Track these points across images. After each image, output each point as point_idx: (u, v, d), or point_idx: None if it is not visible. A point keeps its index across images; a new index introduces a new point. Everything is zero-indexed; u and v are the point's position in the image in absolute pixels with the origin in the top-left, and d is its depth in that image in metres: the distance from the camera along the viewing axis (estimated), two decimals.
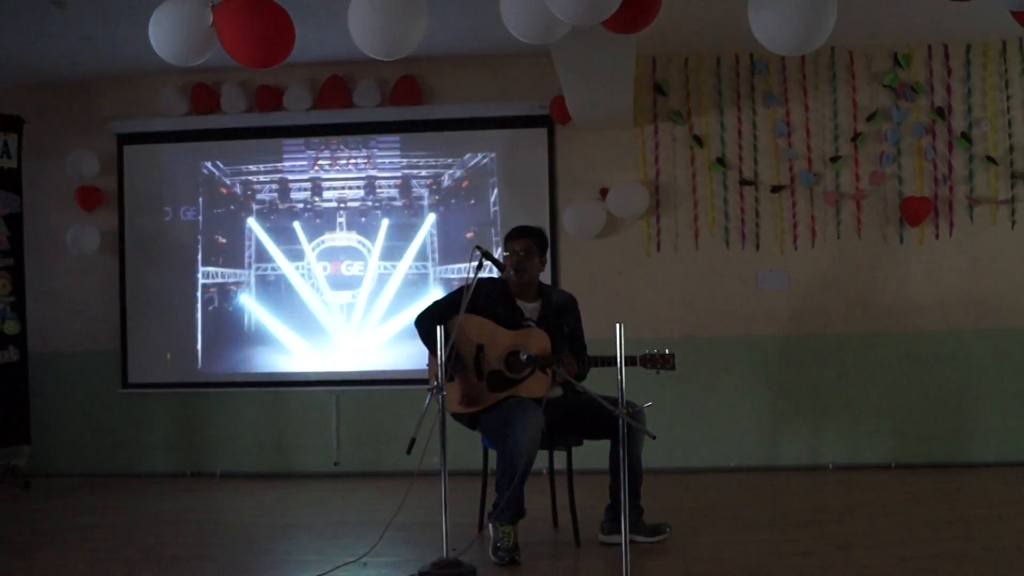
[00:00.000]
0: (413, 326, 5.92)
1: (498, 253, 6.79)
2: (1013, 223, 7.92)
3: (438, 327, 5.19)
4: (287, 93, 8.31)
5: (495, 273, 5.82)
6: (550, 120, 8.19)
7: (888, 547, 5.45)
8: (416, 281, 8.31)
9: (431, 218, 8.32)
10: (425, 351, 5.88)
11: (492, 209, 8.26)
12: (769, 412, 8.07)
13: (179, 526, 6.58)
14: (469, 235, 8.26)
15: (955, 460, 7.90)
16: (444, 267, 8.28)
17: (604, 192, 8.09)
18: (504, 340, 5.68)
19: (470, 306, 5.42)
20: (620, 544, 4.75)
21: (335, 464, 8.36)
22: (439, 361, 5.14)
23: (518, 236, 5.85)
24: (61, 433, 8.55)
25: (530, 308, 5.84)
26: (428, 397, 5.09)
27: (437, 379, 5.13)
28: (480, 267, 5.38)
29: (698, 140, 8.09)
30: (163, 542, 6.08)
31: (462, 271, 8.16)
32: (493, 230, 8.26)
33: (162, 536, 6.26)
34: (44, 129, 8.59)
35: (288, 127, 8.39)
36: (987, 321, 7.92)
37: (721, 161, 8.08)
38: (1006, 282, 7.92)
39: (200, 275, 8.48)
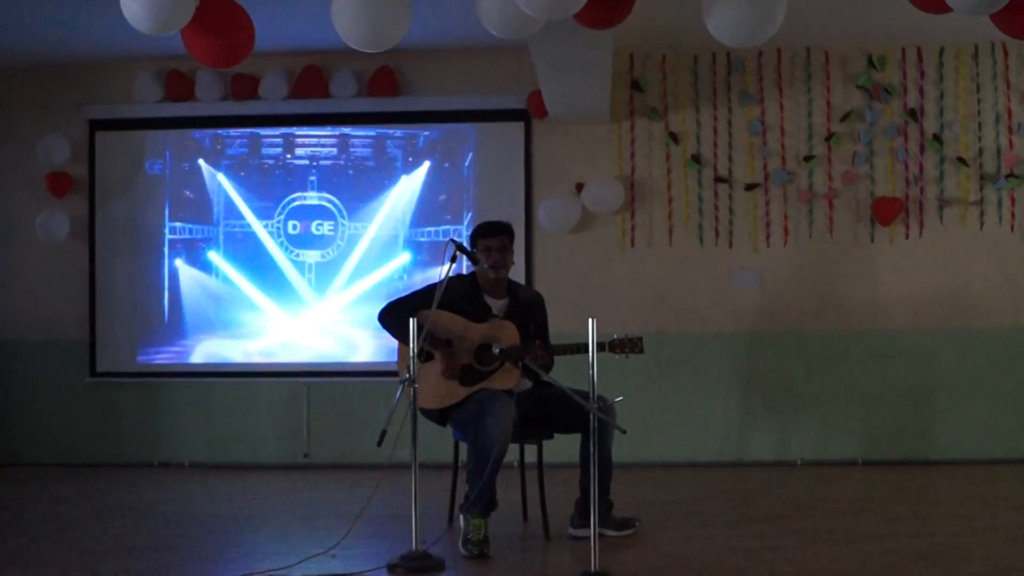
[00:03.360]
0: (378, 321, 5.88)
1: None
2: (982, 224, 7.99)
3: (409, 319, 5.16)
4: (263, 82, 8.27)
5: (464, 270, 5.78)
6: (527, 114, 8.20)
7: (854, 542, 5.48)
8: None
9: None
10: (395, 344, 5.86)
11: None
12: (739, 408, 8.12)
13: (146, 516, 6.54)
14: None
15: (921, 457, 7.97)
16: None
17: (580, 187, 8.11)
18: (474, 334, 5.67)
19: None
20: (589, 538, 4.75)
21: (305, 456, 8.35)
22: (411, 353, 5.12)
23: (493, 234, 5.79)
24: (28, 422, 8.50)
25: (498, 305, 5.82)
26: (399, 389, 5.09)
27: (408, 371, 5.12)
28: (454, 261, 5.34)
29: (674, 137, 8.12)
30: (130, 532, 6.04)
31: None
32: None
33: (129, 526, 6.22)
34: (15, 114, 8.55)
35: (263, 116, 8.36)
36: (955, 320, 8.00)
37: (696, 158, 8.11)
38: (974, 282, 8.00)
39: (167, 258, 8.47)
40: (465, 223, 8.27)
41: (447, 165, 8.32)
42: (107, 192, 8.50)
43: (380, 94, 8.26)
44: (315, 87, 8.28)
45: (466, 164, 8.30)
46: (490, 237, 5.76)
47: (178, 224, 8.46)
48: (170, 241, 8.46)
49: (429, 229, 8.32)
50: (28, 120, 8.55)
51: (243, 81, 8.29)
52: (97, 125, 8.52)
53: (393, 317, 5.69)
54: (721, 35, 4.88)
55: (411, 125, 8.32)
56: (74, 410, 8.50)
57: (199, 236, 8.45)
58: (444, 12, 7.09)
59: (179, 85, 8.36)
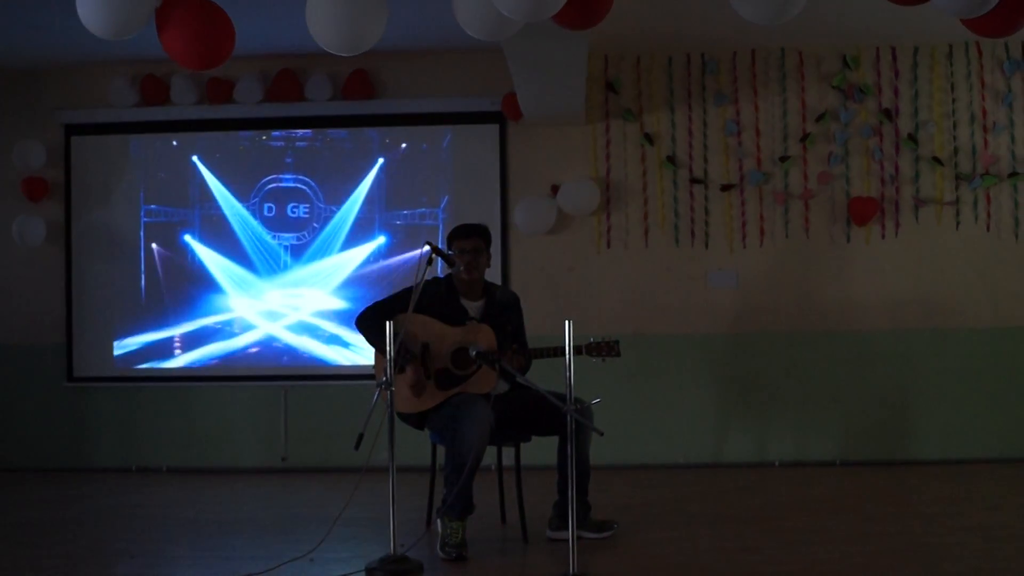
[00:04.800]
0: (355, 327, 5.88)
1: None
2: (958, 224, 8.02)
3: (386, 323, 5.17)
4: (238, 86, 8.25)
5: (439, 273, 5.78)
6: (502, 116, 8.19)
7: (832, 543, 5.50)
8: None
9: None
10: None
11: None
12: (717, 409, 8.13)
13: (123, 521, 6.52)
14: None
15: (899, 457, 8.00)
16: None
17: (555, 189, 8.11)
18: (450, 337, 5.67)
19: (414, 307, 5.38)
20: (567, 540, 4.76)
21: (283, 459, 8.32)
22: (387, 357, 5.12)
23: (467, 235, 5.80)
24: (4, 427, 8.44)
25: (474, 307, 5.82)
26: (376, 393, 5.09)
27: (385, 375, 5.12)
28: (430, 262, 5.34)
29: (649, 138, 8.13)
30: (107, 537, 6.02)
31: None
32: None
33: (107, 531, 6.21)
34: None
35: (239, 120, 8.35)
36: (931, 320, 8.03)
37: (672, 159, 8.12)
38: (950, 282, 8.03)
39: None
40: (442, 206, 8.26)
41: (424, 147, 8.31)
42: (83, 196, 8.45)
43: (355, 97, 8.24)
44: (290, 91, 8.26)
45: (444, 145, 8.29)
46: (464, 239, 5.77)
47: (153, 206, 8.42)
48: (146, 224, 8.42)
49: (405, 212, 8.31)
50: (3, 125, 8.50)
51: (218, 85, 8.27)
52: (73, 130, 8.48)
53: (370, 322, 5.69)
54: (747, 12, 4.84)
55: (386, 129, 8.32)
56: (51, 415, 8.45)
57: (175, 219, 8.42)
58: (418, 15, 7.08)
59: (154, 89, 8.33)
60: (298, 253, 8.36)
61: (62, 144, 8.47)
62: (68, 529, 6.27)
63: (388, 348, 5.12)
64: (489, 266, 5.89)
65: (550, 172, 8.18)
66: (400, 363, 5.52)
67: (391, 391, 5.11)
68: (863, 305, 8.07)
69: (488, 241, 5.86)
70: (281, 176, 8.41)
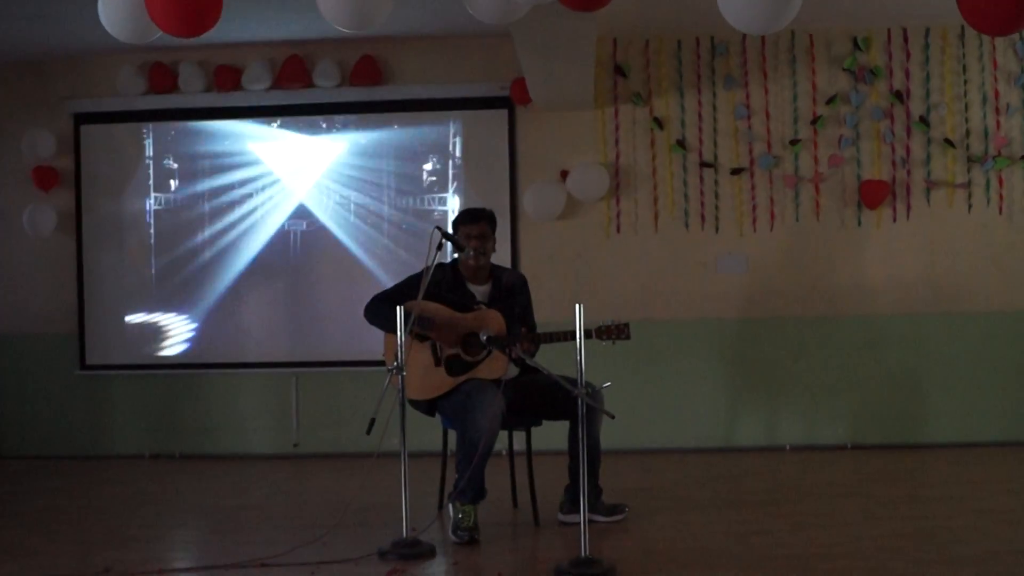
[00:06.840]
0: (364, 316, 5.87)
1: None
2: (970, 207, 7.99)
3: (396, 308, 5.17)
4: (246, 73, 8.24)
5: (447, 258, 5.77)
6: (511, 102, 8.18)
7: (844, 526, 5.50)
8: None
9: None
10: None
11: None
12: (727, 393, 8.13)
13: (138, 508, 6.54)
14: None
15: (910, 441, 7.99)
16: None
17: (564, 174, 8.10)
18: (460, 323, 5.66)
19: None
20: (579, 524, 4.77)
21: (295, 445, 8.34)
22: (398, 342, 5.12)
23: (474, 220, 5.79)
24: (19, 415, 8.48)
25: (481, 291, 5.82)
26: (387, 378, 5.09)
27: (396, 360, 5.12)
28: (440, 248, 5.33)
29: (658, 122, 8.11)
30: (122, 524, 6.03)
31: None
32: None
33: (121, 518, 6.22)
34: None
35: (247, 107, 8.34)
36: (943, 304, 8.01)
37: (681, 143, 8.10)
38: (962, 265, 8.00)
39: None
40: (450, 191, 8.25)
41: (433, 132, 8.28)
42: (93, 185, 8.46)
43: (363, 83, 8.23)
44: (298, 77, 8.24)
45: (452, 131, 8.27)
46: (470, 224, 5.77)
47: (163, 194, 8.43)
48: (155, 211, 8.43)
49: (414, 198, 8.30)
50: (12, 114, 8.51)
51: (226, 72, 8.26)
52: (82, 119, 8.48)
53: (379, 309, 5.68)
54: (738, 22, 4.83)
55: (395, 115, 8.30)
56: (64, 403, 8.49)
57: (185, 206, 8.43)
58: (426, 0, 7.07)
59: (162, 77, 8.32)
60: (309, 239, 8.35)
61: (71, 133, 8.48)
62: (83, 516, 6.30)
63: (399, 333, 5.12)
64: (495, 250, 5.88)
65: (559, 157, 8.16)
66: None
67: (402, 376, 5.12)
68: (874, 289, 8.05)
69: (494, 225, 5.85)
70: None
